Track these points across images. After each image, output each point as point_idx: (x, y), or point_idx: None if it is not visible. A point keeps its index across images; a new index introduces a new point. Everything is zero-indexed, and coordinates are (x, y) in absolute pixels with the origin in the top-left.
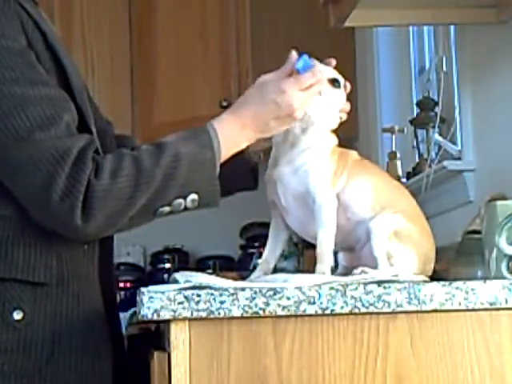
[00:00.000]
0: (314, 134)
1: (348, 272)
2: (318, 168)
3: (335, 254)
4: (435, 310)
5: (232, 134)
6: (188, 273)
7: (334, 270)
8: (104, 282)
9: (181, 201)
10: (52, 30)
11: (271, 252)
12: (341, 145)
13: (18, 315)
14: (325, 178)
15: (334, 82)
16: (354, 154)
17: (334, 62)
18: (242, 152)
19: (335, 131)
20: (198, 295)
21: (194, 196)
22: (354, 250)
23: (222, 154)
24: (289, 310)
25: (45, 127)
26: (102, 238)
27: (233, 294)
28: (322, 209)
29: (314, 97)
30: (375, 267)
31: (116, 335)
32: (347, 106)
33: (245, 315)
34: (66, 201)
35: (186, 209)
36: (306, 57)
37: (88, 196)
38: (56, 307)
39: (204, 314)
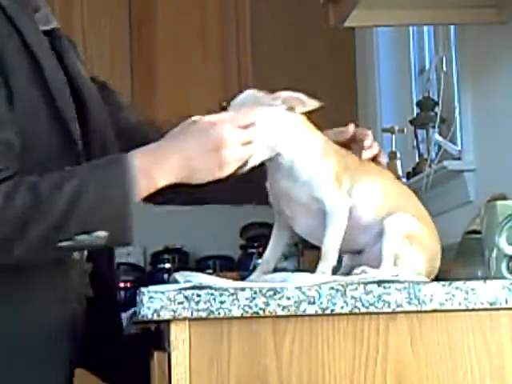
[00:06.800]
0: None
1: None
2: (317, 173)
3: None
4: (435, 310)
5: (147, 168)
6: (188, 273)
7: (337, 269)
8: (98, 285)
9: (85, 237)
10: (34, 25)
11: (272, 253)
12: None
13: None
14: (327, 181)
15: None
16: (349, 152)
17: None
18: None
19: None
20: (198, 295)
21: (100, 233)
22: (362, 252)
23: (139, 190)
24: (289, 310)
25: None
26: None
27: (233, 294)
28: (335, 209)
29: (250, 151)
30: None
31: (116, 335)
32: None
33: (245, 315)
34: None
35: (94, 245)
36: None
37: None
38: (6, 323)
39: (204, 314)
